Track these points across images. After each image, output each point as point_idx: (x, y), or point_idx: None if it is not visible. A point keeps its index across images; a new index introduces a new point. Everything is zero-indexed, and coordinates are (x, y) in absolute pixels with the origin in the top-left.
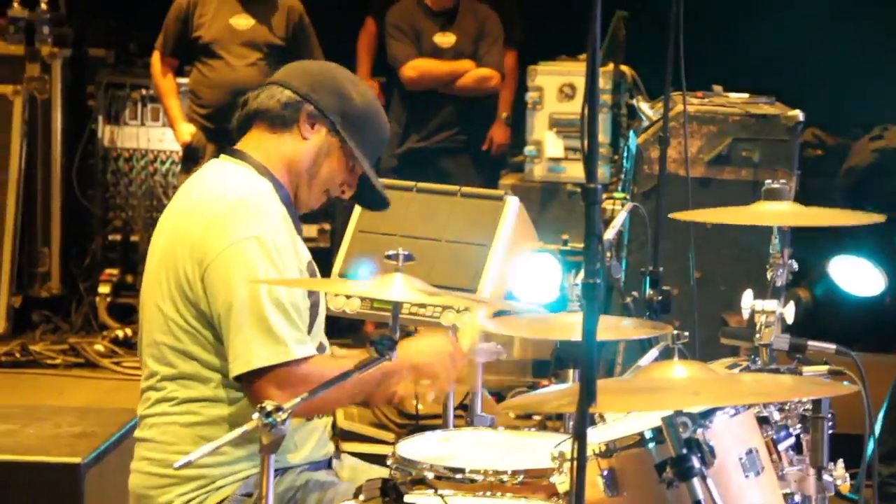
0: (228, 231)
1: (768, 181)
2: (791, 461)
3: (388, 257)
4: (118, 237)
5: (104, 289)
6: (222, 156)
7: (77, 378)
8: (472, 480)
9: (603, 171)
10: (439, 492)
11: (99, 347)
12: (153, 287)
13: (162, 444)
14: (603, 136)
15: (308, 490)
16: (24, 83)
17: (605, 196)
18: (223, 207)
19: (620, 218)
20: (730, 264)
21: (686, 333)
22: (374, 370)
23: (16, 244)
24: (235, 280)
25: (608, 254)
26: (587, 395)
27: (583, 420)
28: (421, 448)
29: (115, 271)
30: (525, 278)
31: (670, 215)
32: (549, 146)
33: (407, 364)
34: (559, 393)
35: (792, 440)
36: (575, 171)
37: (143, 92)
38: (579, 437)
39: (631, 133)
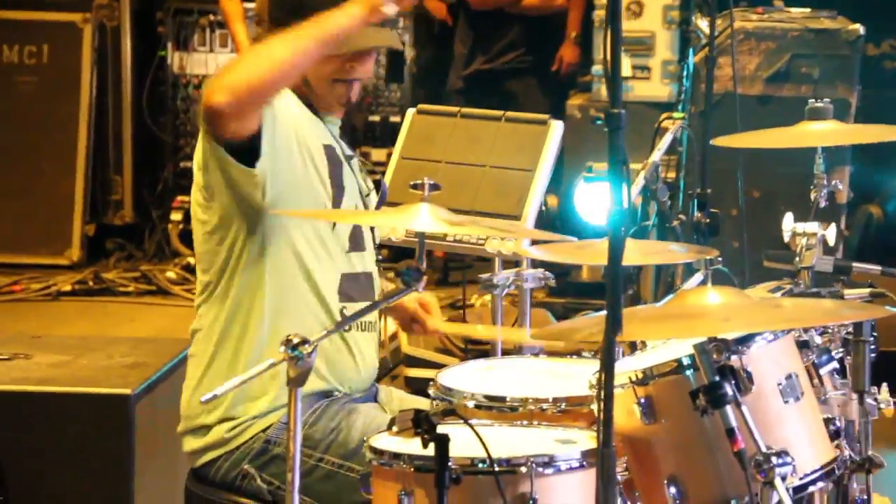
0: None
1: (811, 101)
2: (835, 385)
3: (414, 187)
4: (189, 164)
5: (176, 216)
6: None
7: (148, 305)
8: (513, 409)
9: (671, 90)
10: (469, 421)
11: (170, 275)
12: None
13: (202, 359)
14: (671, 54)
15: (352, 420)
16: (94, 11)
17: (664, 115)
18: None
19: (666, 140)
20: (789, 184)
21: (720, 258)
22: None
23: (88, 172)
24: None
25: (655, 175)
26: (613, 324)
27: (610, 350)
28: (463, 377)
29: (186, 198)
30: (591, 201)
31: (712, 141)
32: None
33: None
34: (591, 321)
35: (834, 364)
36: (642, 89)
37: (212, 17)
38: (606, 368)
39: (690, 51)
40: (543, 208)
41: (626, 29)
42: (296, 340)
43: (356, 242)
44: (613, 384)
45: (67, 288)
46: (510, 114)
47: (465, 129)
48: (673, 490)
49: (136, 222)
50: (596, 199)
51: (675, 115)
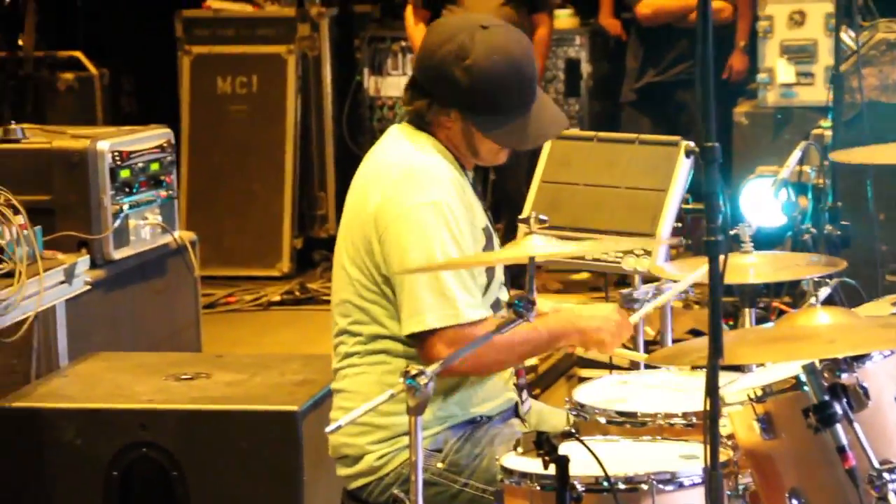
0: (406, 195)
1: None
2: None
3: (522, 221)
4: None
5: None
6: (405, 123)
7: None
8: (643, 424)
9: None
10: (585, 441)
11: None
12: (340, 248)
13: (353, 394)
14: (831, 60)
15: (495, 445)
16: (296, 42)
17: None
18: (402, 173)
19: (794, 157)
20: None
21: (845, 278)
22: (542, 332)
23: (296, 190)
24: (411, 243)
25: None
26: (715, 350)
27: (714, 375)
28: (598, 392)
29: None
30: (756, 202)
31: (830, 155)
32: (780, 72)
33: (574, 328)
34: (702, 343)
35: None
36: (807, 94)
37: (403, 43)
38: (711, 392)
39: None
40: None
41: (789, 37)
42: (413, 372)
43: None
44: (718, 406)
45: (277, 298)
46: (644, 136)
47: (601, 152)
48: (795, 502)
49: None
50: (762, 200)
51: (824, 122)
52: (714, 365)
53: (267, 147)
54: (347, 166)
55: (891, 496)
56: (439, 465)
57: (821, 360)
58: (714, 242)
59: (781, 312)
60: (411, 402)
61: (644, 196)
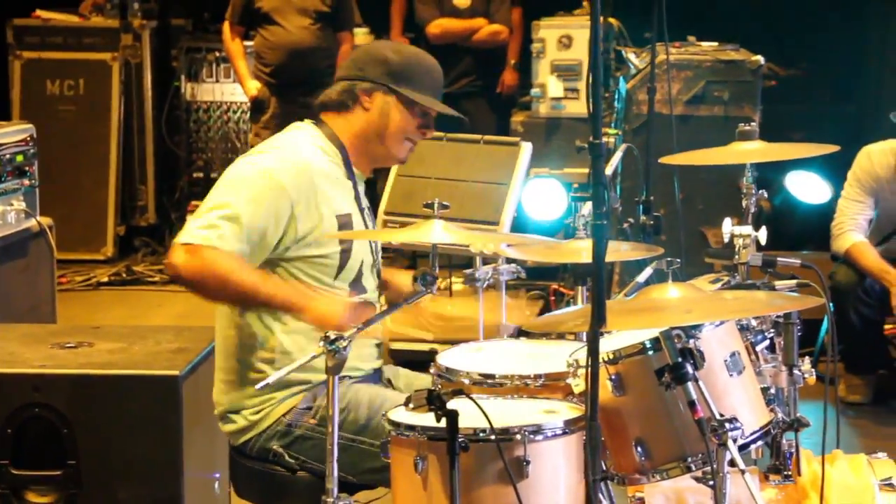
0: (250, 155)
1: (741, 124)
2: (766, 359)
3: (427, 206)
4: (201, 175)
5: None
6: (307, 120)
7: (172, 293)
8: (502, 384)
9: (614, 108)
10: (471, 396)
11: None
12: None
13: (219, 354)
14: None
15: (358, 400)
16: (120, 50)
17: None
18: (265, 146)
19: (616, 158)
20: (706, 186)
21: (678, 260)
22: (262, 288)
23: (119, 183)
24: (222, 184)
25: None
26: (598, 317)
27: (595, 339)
28: (459, 357)
29: (199, 203)
30: (536, 200)
31: (660, 160)
32: (551, 88)
33: (305, 308)
34: (574, 314)
35: (767, 342)
36: (573, 108)
37: (217, 54)
38: (593, 354)
39: (621, 78)
40: None
41: (559, 58)
42: (333, 336)
43: (358, 288)
44: (599, 367)
45: (105, 279)
46: (488, 137)
47: (450, 150)
48: (640, 450)
49: (158, 223)
50: (542, 198)
51: (610, 131)
52: (596, 330)
53: (93, 144)
54: (166, 162)
55: (730, 443)
56: (311, 420)
57: (672, 327)
58: (600, 225)
59: (560, 294)
60: (330, 363)
61: (489, 189)
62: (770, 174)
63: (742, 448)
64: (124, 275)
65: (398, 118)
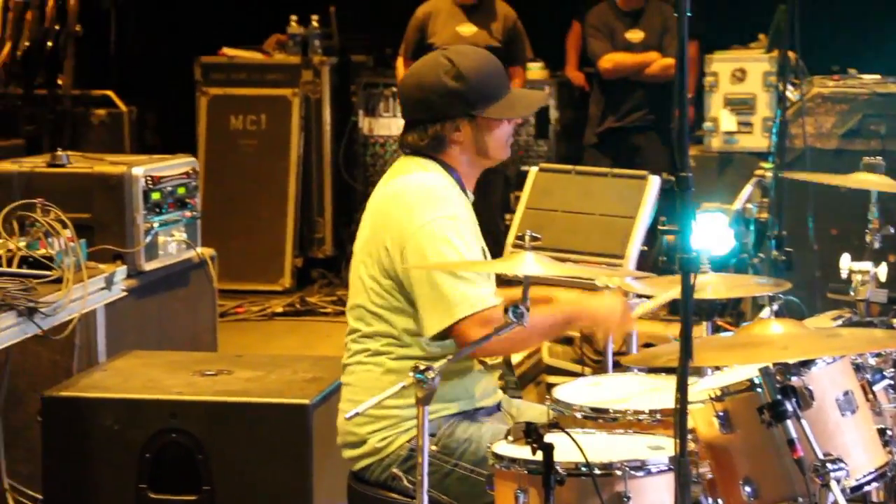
0: (425, 211)
1: (866, 158)
2: (889, 399)
3: (518, 238)
4: None
5: None
6: (411, 155)
7: (342, 324)
8: (614, 419)
9: (770, 142)
10: (569, 432)
11: None
12: (357, 260)
13: (359, 388)
14: (769, 112)
15: (482, 432)
16: (300, 86)
17: (761, 163)
18: (419, 191)
19: (746, 191)
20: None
21: (781, 296)
22: (557, 314)
23: (297, 215)
24: (430, 252)
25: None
26: (686, 353)
27: (684, 374)
28: (574, 391)
29: None
30: (703, 233)
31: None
32: (724, 121)
33: (585, 310)
34: (670, 348)
35: (886, 382)
36: (746, 141)
37: (394, 89)
38: (681, 389)
39: (778, 111)
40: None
41: (732, 92)
42: (422, 367)
43: None
44: (687, 402)
45: (280, 310)
46: (616, 170)
47: (579, 183)
48: (748, 489)
49: (335, 255)
50: (705, 233)
51: (765, 164)
52: (685, 365)
53: (273, 177)
54: (343, 195)
55: (832, 483)
56: (433, 447)
57: (774, 364)
58: (688, 259)
59: (718, 328)
60: (419, 394)
61: (615, 222)
62: None
63: (855, 490)
64: (298, 305)
65: (493, 134)
